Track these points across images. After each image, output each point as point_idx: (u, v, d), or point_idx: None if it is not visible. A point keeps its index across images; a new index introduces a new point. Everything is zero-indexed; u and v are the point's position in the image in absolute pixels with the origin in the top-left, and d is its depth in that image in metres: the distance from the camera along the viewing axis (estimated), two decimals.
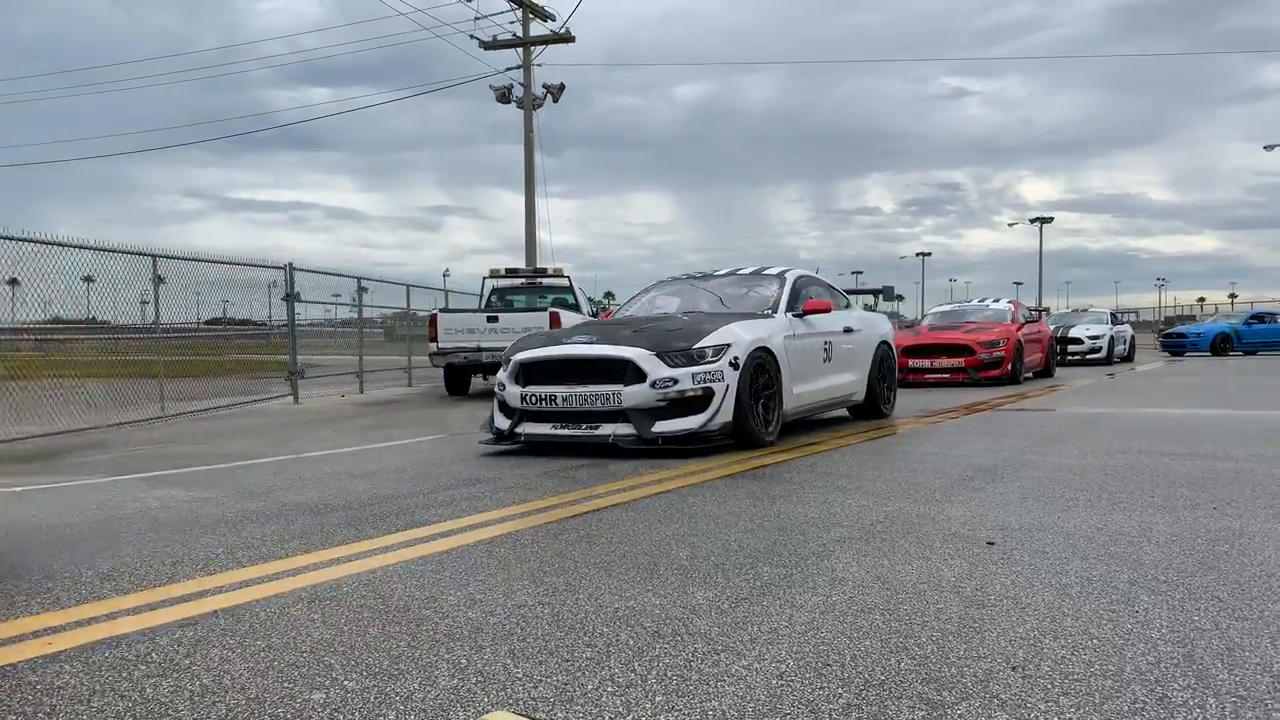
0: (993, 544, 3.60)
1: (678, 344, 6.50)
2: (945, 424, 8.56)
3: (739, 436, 6.58)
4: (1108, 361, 21.67)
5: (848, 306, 9.07)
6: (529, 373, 6.80)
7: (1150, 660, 2.33)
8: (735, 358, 6.49)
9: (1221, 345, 26.96)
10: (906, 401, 11.12)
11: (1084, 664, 2.31)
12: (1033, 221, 64.42)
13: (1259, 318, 29.44)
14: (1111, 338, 22.15)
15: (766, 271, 8.43)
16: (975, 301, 17.88)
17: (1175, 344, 27.91)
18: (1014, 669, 2.28)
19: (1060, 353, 21.76)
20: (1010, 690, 2.15)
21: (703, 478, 5.41)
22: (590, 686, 2.21)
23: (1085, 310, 25.68)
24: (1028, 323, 16.02)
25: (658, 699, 2.13)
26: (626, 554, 3.53)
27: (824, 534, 3.83)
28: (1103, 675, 2.23)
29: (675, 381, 6.31)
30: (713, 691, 2.17)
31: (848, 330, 8.38)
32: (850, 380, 8.39)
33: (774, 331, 7.10)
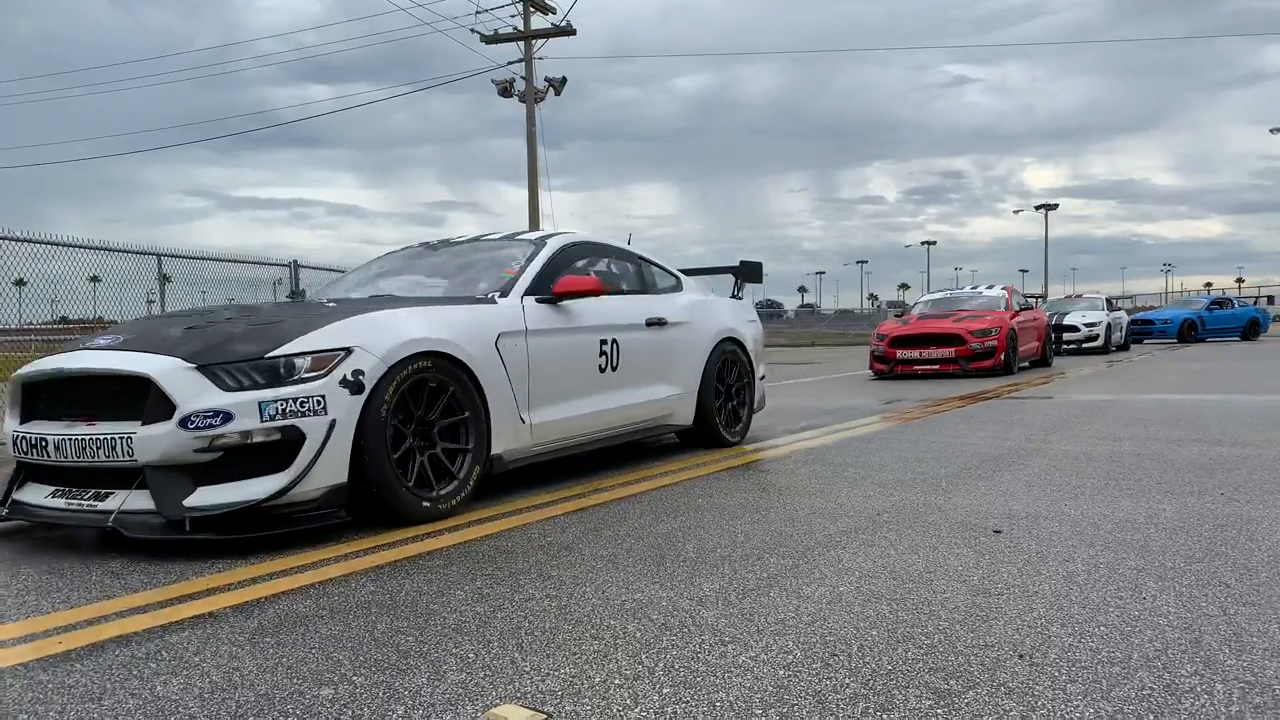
0: (999, 532, 3.60)
1: (241, 349, 3.81)
2: (950, 414, 8.55)
3: (369, 508, 3.95)
4: (1105, 350, 21.04)
5: (673, 289, 6.33)
6: (32, 398, 4.15)
7: (1158, 647, 2.33)
8: (356, 372, 3.83)
9: (1189, 332, 26.55)
10: (891, 392, 11.11)
11: (1091, 651, 2.31)
12: (1038, 209, 64.21)
13: (1219, 303, 29.16)
14: (1109, 325, 21.39)
15: (522, 237, 5.73)
16: (968, 289, 17.18)
17: (1141, 330, 26.87)
18: (1021, 657, 2.28)
19: (1055, 341, 21.18)
20: (1018, 678, 2.15)
21: (709, 470, 5.41)
22: (598, 679, 2.22)
23: (1080, 296, 25.00)
24: (1022, 310, 15.44)
25: (665, 691, 2.14)
26: (633, 547, 3.54)
27: (830, 524, 3.83)
28: (1110, 662, 2.23)
29: (227, 416, 3.61)
30: (720, 683, 2.17)
31: (655, 324, 5.75)
32: (661, 396, 5.77)
33: (481, 326, 4.46)
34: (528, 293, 4.93)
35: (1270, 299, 36.71)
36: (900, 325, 14.58)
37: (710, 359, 6.18)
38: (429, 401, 4.15)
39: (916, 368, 13.68)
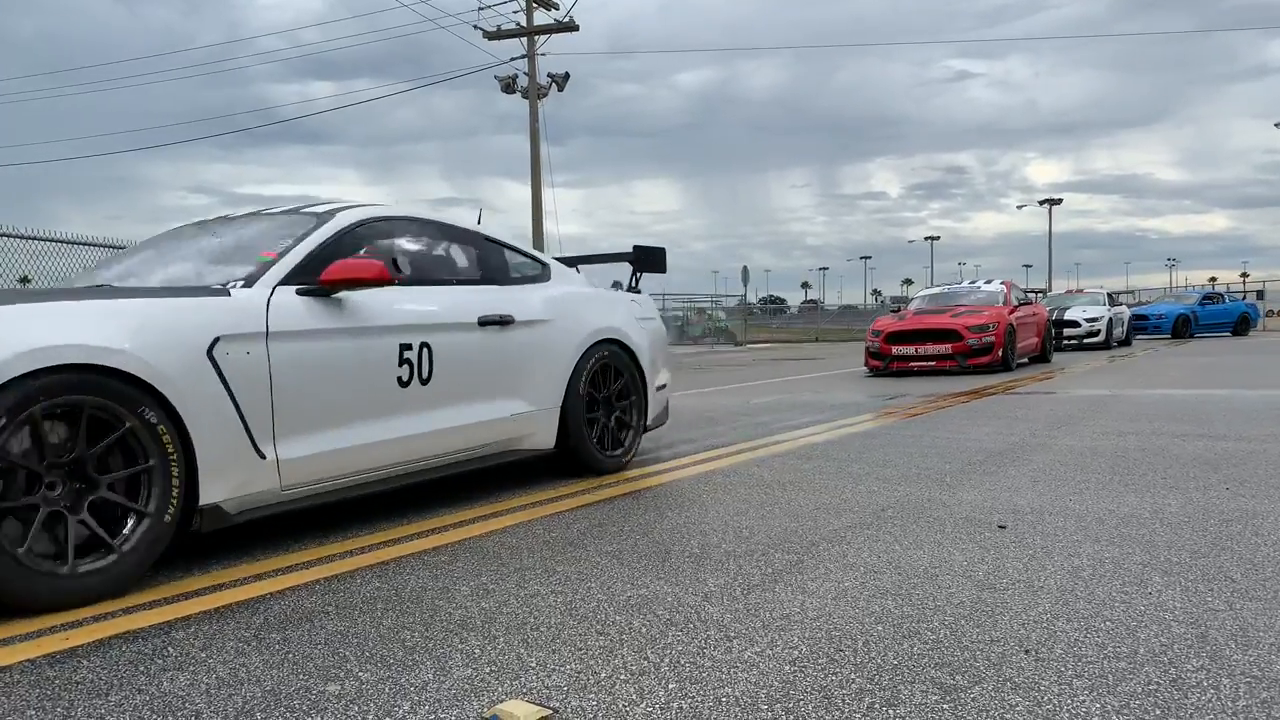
0: (1004, 527, 3.60)
1: None
2: (953, 410, 8.54)
3: None
4: (1106, 345, 20.78)
5: (534, 280, 5.08)
6: None
7: (1163, 641, 2.33)
8: None
9: (1183, 327, 26.36)
10: (892, 388, 11.10)
11: (1097, 646, 2.31)
12: (1042, 203, 64.02)
13: (1211, 298, 29.03)
14: (1110, 320, 21.11)
15: (310, 209, 4.33)
16: (966, 284, 16.78)
17: (1136, 326, 26.13)
18: (1027, 652, 2.28)
19: (1056, 336, 20.95)
20: (1023, 673, 2.15)
21: (713, 465, 5.41)
22: (603, 674, 2.22)
23: (1082, 291, 24.79)
24: (1021, 305, 15.06)
25: (670, 686, 2.14)
26: (638, 543, 3.54)
27: (835, 520, 3.83)
28: (1116, 657, 2.23)
29: None
30: (726, 678, 2.18)
31: (495, 323, 4.49)
32: (504, 415, 4.55)
33: (183, 329, 3.26)
34: (286, 281, 3.69)
35: (1260, 294, 36.59)
36: (896, 321, 14.19)
37: (580, 366, 4.95)
38: (85, 439, 2.93)
39: (912, 364, 13.32)
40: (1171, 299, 30.26)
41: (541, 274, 5.21)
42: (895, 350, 13.44)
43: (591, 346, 5.06)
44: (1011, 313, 14.13)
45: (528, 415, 4.70)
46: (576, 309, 5.12)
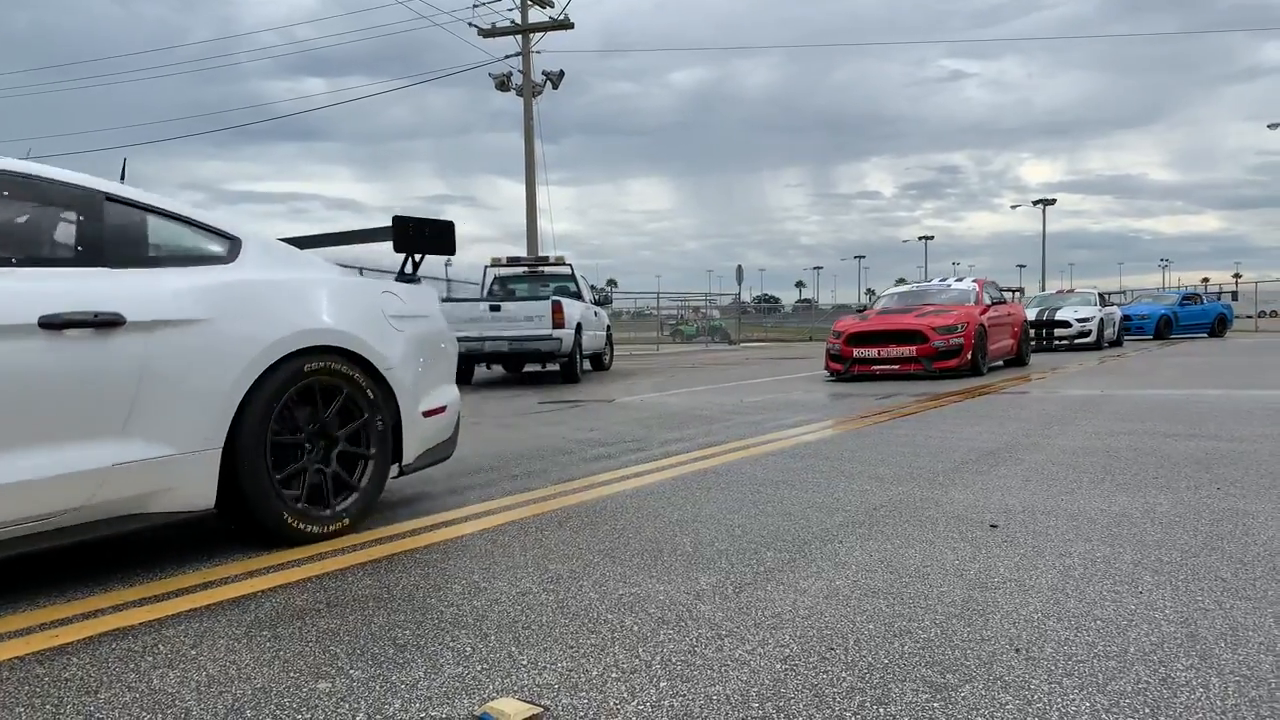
0: (996, 527, 3.60)
1: None
2: (946, 409, 8.55)
3: None
4: (1097, 346, 20.75)
5: (202, 260, 3.63)
6: None
7: (1154, 641, 2.33)
8: None
9: (1165, 328, 26.34)
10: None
11: (1087, 645, 2.31)
12: (1035, 203, 64.13)
13: (1190, 299, 29.08)
14: (1101, 320, 21.07)
15: None
16: (936, 281, 15.59)
17: (1119, 326, 26.40)
18: (1017, 651, 2.28)
19: (1046, 337, 20.76)
20: (1014, 672, 2.15)
21: (707, 463, 5.41)
22: (595, 672, 2.22)
23: (1073, 291, 24.80)
24: (995, 305, 14.02)
25: (662, 684, 2.14)
26: (630, 541, 3.54)
27: (827, 518, 3.84)
28: (1106, 656, 2.24)
29: None
30: (717, 676, 2.18)
31: (75, 324, 2.98)
32: (97, 464, 3.04)
33: None
34: None
35: (1234, 295, 36.69)
36: (858, 321, 13.19)
37: (261, 388, 3.45)
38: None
39: (875, 368, 12.37)
40: (1149, 299, 30.22)
41: (224, 254, 3.71)
42: (856, 353, 12.48)
43: (287, 359, 3.55)
44: (983, 313, 13.20)
45: (154, 464, 3.17)
46: (263, 304, 3.59)
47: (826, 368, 12.92)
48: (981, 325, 12.73)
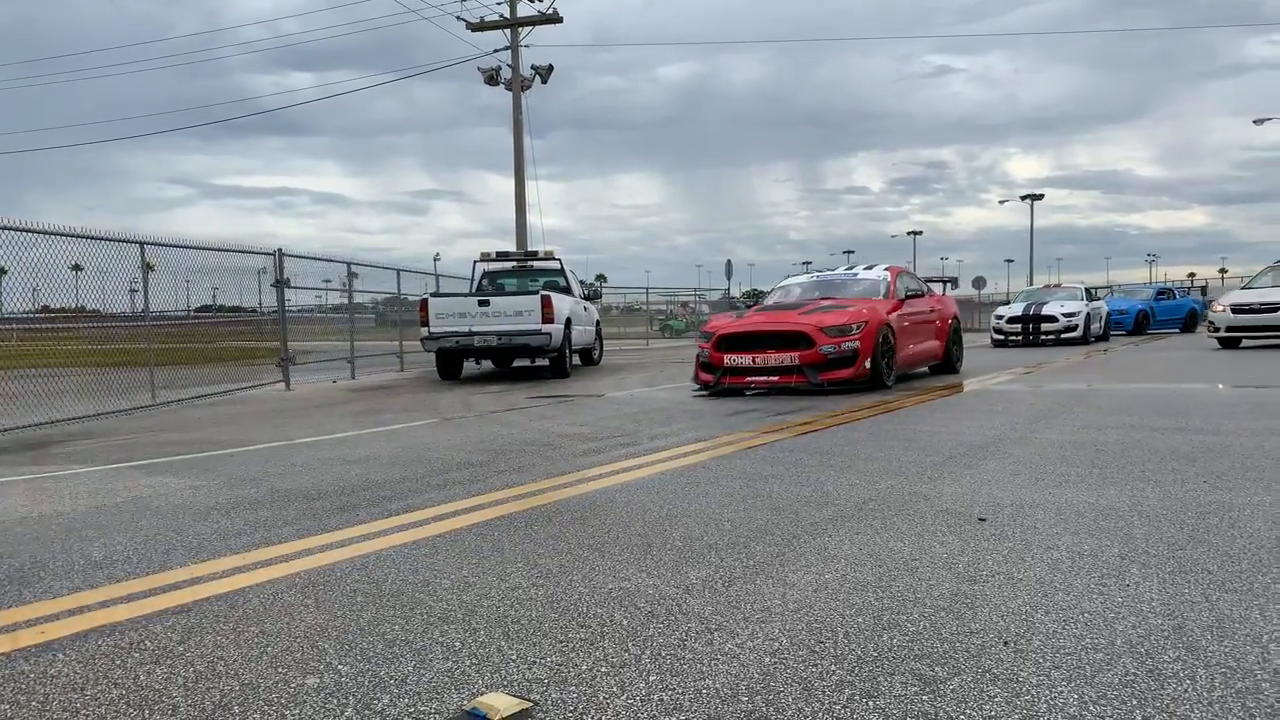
0: (984, 520, 3.61)
1: None
2: (935, 403, 8.57)
3: None
4: (1084, 340, 20.82)
5: None
6: None
7: (1141, 633, 2.34)
8: None
9: (1143, 322, 26.42)
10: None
11: (1075, 637, 2.32)
12: (1024, 199, 64.29)
13: (1164, 294, 29.22)
14: (1088, 315, 21.18)
15: None
16: (841, 270, 12.70)
17: None
18: (1006, 644, 2.29)
19: (1033, 331, 20.92)
20: (1002, 665, 2.16)
21: (696, 458, 5.41)
22: (584, 667, 2.22)
23: (1059, 286, 24.84)
24: (912, 298, 11.30)
25: (651, 678, 2.14)
26: (620, 535, 3.53)
27: (817, 512, 3.84)
28: (1094, 648, 2.24)
29: None
30: (706, 670, 2.18)
31: None
32: None
33: None
34: None
35: (1203, 290, 36.87)
36: (733, 321, 10.57)
37: None
38: None
39: (749, 379, 9.80)
40: (1123, 294, 30.26)
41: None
42: (728, 360, 9.89)
43: None
44: (894, 309, 10.62)
45: None
46: None
47: (695, 378, 10.37)
48: (887, 325, 10.10)
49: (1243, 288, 18.37)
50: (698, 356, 10.46)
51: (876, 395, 8.54)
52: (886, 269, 11.78)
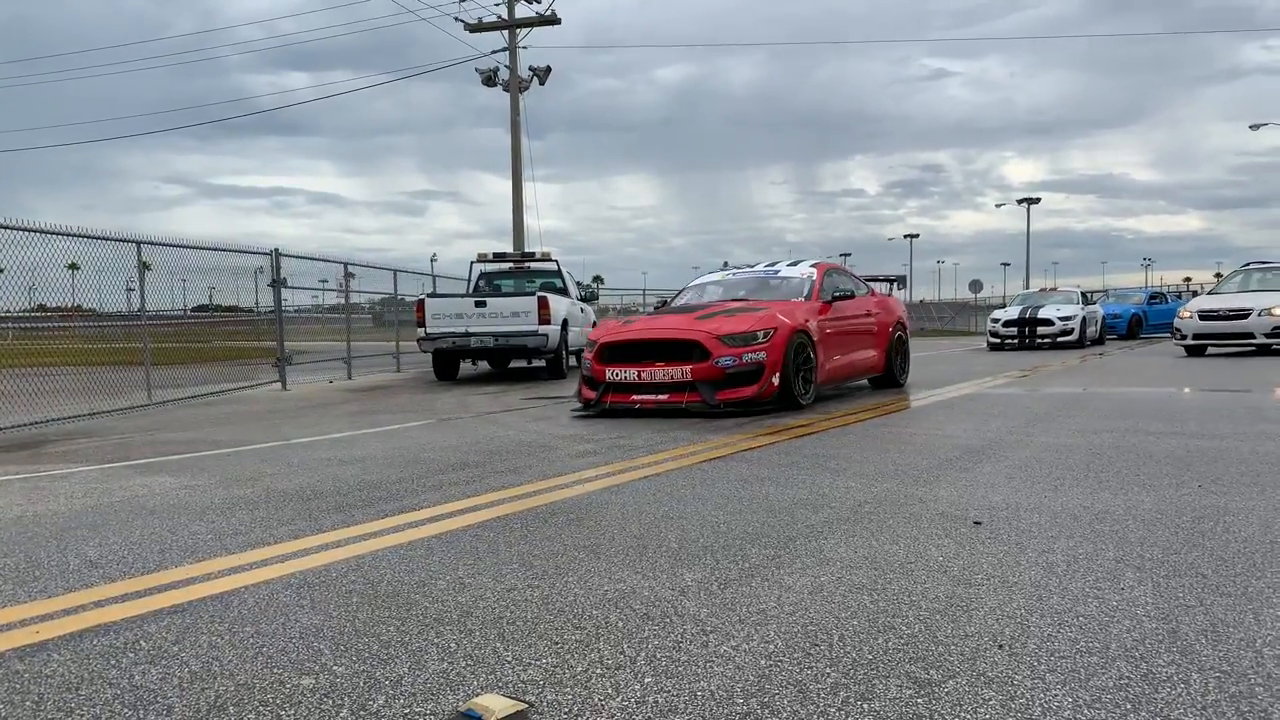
0: (980, 524, 3.62)
1: None
2: (929, 405, 8.58)
3: None
4: (1079, 344, 20.86)
5: None
6: None
7: (1135, 637, 2.35)
8: None
9: (1136, 326, 26.38)
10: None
11: (1070, 641, 2.32)
12: (1020, 202, 64.42)
13: (1156, 298, 29.28)
14: (1084, 319, 21.26)
15: None
16: (762, 267, 10.55)
17: None
18: (1001, 647, 2.29)
19: (1029, 335, 20.96)
20: (997, 668, 2.16)
21: (692, 460, 5.41)
22: (579, 668, 2.22)
23: (1055, 289, 24.83)
24: (841, 300, 9.48)
25: (646, 680, 2.14)
26: (615, 537, 3.53)
27: (812, 515, 3.84)
28: (1088, 652, 2.25)
29: None
30: (701, 672, 2.18)
31: None
32: None
33: None
34: None
35: (1195, 294, 37.04)
36: (621, 327, 8.97)
37: None
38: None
39: (635, 398, 8.16)
40: (1116, 299, 30.27)
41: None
42: (611, 374, 8.29)
43: None
44: (818, 313, 9.01)
45: None
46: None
47: (578, 395, 8.79)
48: (803, 332, 8.47)
49: (1210, 293, 17.84)
50: (581, 369, 8.93)
51: (787, 417, 7.60)
52: (813, 265, 10.11)
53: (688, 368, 8.01)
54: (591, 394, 8.44)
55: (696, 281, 10.88)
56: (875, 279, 11.93)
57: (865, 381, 10.47)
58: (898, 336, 10.60)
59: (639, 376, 8.18)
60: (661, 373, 8.08)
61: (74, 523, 4.11)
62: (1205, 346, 16.23)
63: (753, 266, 10.64)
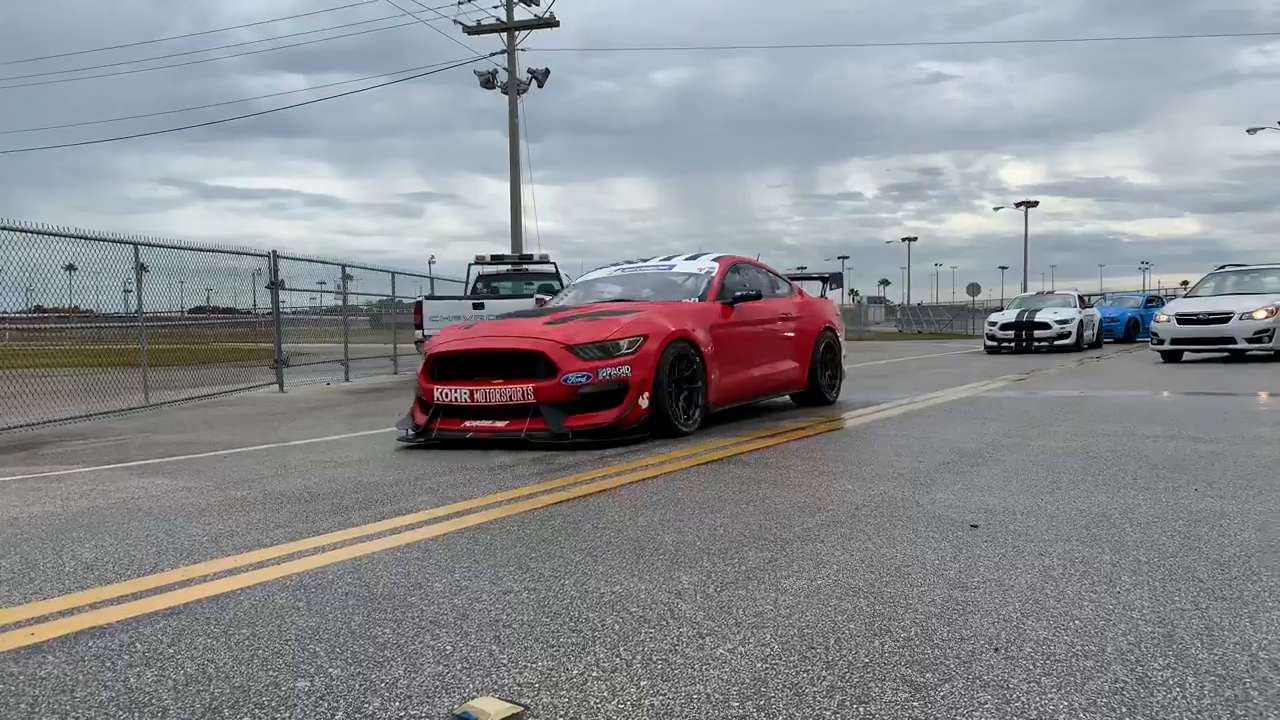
0: (976, 527, 3.62)
1: None
2: (928, 409, 8.58)
3: None
4: (1077, 348, 20.89)
5: None
6: None
7: (1131, 640, 2.35)
8: None
9: (1133, 330, 26.31)
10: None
11: (1066, 644, 2.32)
12: (1019, 205, 64.51)
13: (1153, 301, 29.22)
14: (1081, 322, 21.29)
15: None
16: (656, 261, 8.74)
17: None
18: (997, 650, 2.29)
19: (1026, 338, 20.97)
20: (993, 672, 2.16)
21: (689, 463, 5.41)
22: (575, 671, 2.22)
23: (1053, 293, 24.80)
24: (747, 301, 7.80)
25: (643, 683, 2.14)
26: (612, 540, 3.53)
27: (809, 518, 3.84)
28: (1084, 655, 2.25)
29: None
30: (698, 675, 2.18)
31: None
32: None
33: None
34: None
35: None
36: (461, 333, 7.15)
37: None
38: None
39: (467, 425, 6.46)
40: (1113, 302, 30.20)
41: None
42: (440, 393, 6.61)
43: None
44: (713, 317, 7.42)
45: None
46: None
47: (410, 420, 6.90)
48: (685, 341, 6.82)
49: (1186, 296, 17.13)
50: (416, 389, 7.09)
51: (658, 448, 6.03)
52: (715, 259, 8.30)
53: (531, 386, 6.31)
54: (423, 418, 6.71)
55: (586, 277, 9.16)
56: (809, 277, 10.52)
57: (788, 398, 8.90)
58: (825, 345, 8.94)
59: (471, 398, 6.49)
60: (499, 393, 6.40)
61: (70, 524, 4.10)
62: (1182, 352, 15.69)
63: (646, 260, 8.87)
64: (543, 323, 6.93)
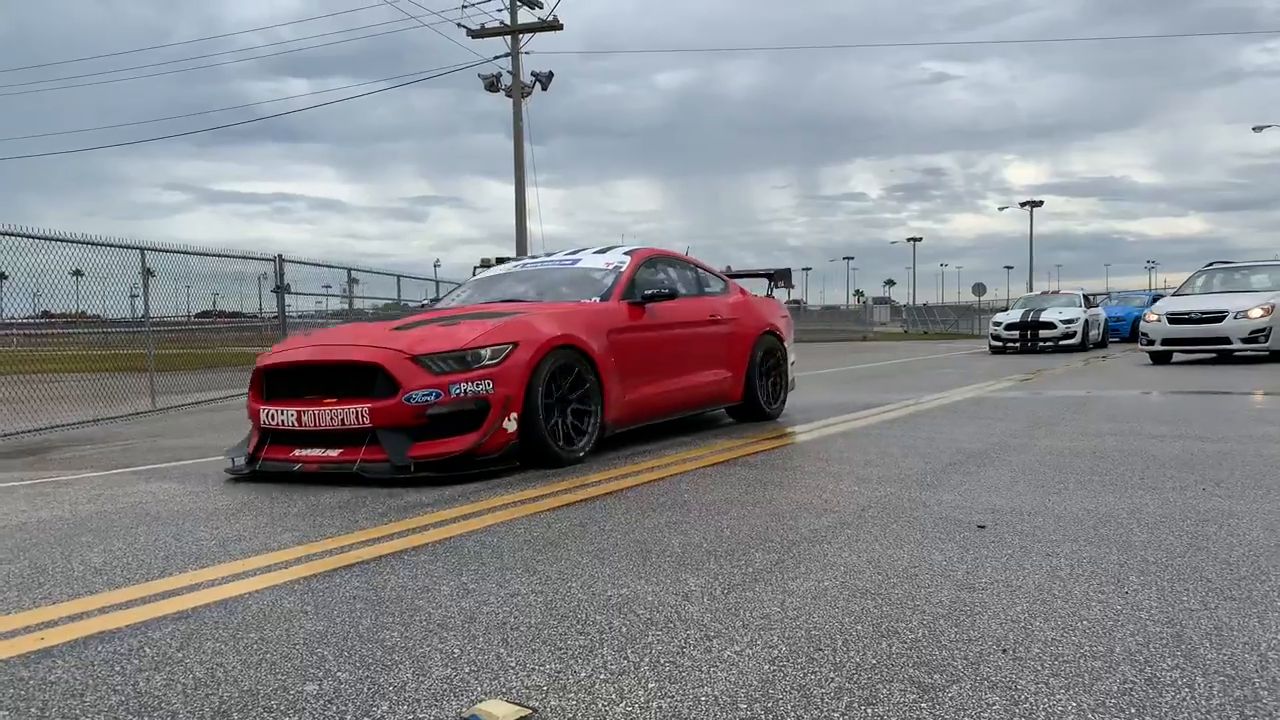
0: (983, 527, 3.62)
1: None
2: (933, 409, 8.57)
3: None
4: (1082, 348, 20.78)
5: None
6: None
7: (1139, 641, 2.34)
8: None
9: (1138, 328, 26.31)
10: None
11: (1074, 645, 2.32)
12: (1023, 205, 64.45)
13: (1160, 300, 29.08)
14: (1086, 322, 21.15)
15: None
16: (561, 255, 7.65)
17: None
18: (1004, 651, 2.29)
19: (1032, 338, 20.89)
20: (1001, 673, 2.16)
21: (695, 465, 5.41)
22: (583, 674, 2.22)
23: (1058, 292, 24.64)
24: (662, 300, 6.62)
25: (650, 686, 2.14)
26: (619, 542, 3.54)
27: (816, 519, 3.84)
28: (1092, 656, 2.25)
29: None
30: (705, 677, 2.18)
31: None
32: None
33: None
34: None
35: None
36: (304, 341, 5.97)
37: None
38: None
39: (295, 453, 5.34)
40: (1118, 301, 29.99)
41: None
42: (267, 415, 5.47)
43: None
44: (624, 318, 6.36)
45: None
46: None
47: (245, 445, 5.79)
48: (570, 349, 5.67)
49: (1175, 295, 16.63)
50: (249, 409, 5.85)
51: (534, 482, 4.97)
52: (628, 253, 7.17)
53: (366, 407, 5.14)
54: (252, 447, 5.60)
55: (482, 275, 8.15)
56: (753, 274, 9.12)
57: (723, 411, 7.85)
58: (765, 351, 7.80)
59: (299, 420, 5.30)
60: (329, 414, 5.22)
61: (79, 529, 4.12)
62: (1172, 353, 15.20)
63: (551, 255, 7.88)
64: (390, 328, 5.75)
